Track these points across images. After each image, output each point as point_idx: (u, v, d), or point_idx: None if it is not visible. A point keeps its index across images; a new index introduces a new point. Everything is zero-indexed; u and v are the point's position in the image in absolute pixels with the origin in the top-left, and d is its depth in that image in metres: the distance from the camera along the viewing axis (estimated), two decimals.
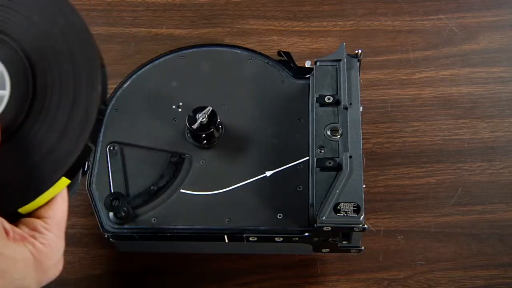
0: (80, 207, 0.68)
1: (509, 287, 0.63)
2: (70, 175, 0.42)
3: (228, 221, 0.58)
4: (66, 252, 0.66)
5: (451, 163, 0.71)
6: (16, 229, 0.41)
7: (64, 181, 0.42)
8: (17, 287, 0.40)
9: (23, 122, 0.41)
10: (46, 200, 0.42)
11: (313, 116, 0.61)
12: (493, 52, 0.79)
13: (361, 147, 0.57)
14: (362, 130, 0.58)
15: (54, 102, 0.41)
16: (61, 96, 0.42)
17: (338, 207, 0.54)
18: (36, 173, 0.41)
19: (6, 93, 0.41)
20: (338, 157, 0.57)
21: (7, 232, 0.40)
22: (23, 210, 0.41)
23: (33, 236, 0.41)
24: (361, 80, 0.62)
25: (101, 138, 0.63)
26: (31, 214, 0.43)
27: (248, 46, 0.71)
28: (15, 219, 0.42)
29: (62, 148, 0.41)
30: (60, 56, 0.42)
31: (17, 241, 0.40)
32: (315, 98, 0.61)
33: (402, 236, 0.67)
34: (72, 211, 0.67)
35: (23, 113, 0.41)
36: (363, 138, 0.58)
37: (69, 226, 0.67)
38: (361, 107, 0.60)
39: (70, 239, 0.67)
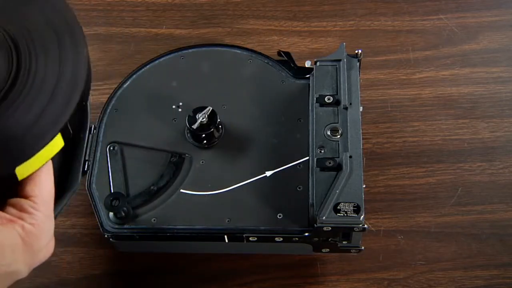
0: (80, 207, 0.68)
1: (509, 287, 0.63)
2: (64, 135, 0.42)
3: (228, 221, 0.58)
4: (66, 252, 0.66)
5: (451, 163, 0.71)
6: (2, 213, 0.40)
7: (59, 141, 0.42)
8: (5, 273, 0.39)
9: (12, 85, 0.42)
10: (43, 162, 0.42)
11: (313, 116, 0.61)
12: (493, 52, 0.79)
13: (361, 147, 0.57)
14: (362, 130, 0.58)
15: (41, 65, 0.43)
16: (47, 60, 0.43)
17: (338, 207, 0.54)
18: (31, 133, 0.41)
19: None
20: (338, 157, 0.57)
21: None
22: (20, 172, 0.41)
23: (21, 218, 0.41)
24: (361, 80, 0.62)
25: (101, 138, 0.63)
26: (18, 194, 0.42)
27: (248, 46, 0.71)
28: (10, 188, 0.42)
29: (54, 108, 0.42)
30: (39, 24, 0.44)
31: (5, 225, 0.40)
32: (315, 98, 0.61)
33: (402, 236, 0.67)
34: (72, 211, 0.68)
35: (11, 77, 0.42)
36: (363, 138, 0.58)
37: (69, 226, 0.68)
38: (361, 107, 0.60)
39: (70, 239, 0.67)
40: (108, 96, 0.66)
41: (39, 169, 0.42)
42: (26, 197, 0.42)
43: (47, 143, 0.42)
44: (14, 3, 0.46)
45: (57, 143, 0.42)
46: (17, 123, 0.41)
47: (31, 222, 0.41)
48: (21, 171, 0.41)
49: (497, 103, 0.75)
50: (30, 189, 0.42)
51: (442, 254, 0.66)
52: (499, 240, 0.66)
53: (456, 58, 0.79)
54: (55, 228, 0.44)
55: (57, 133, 0.42)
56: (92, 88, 0.62)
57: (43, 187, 0.43)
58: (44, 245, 0.42)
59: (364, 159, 0.57)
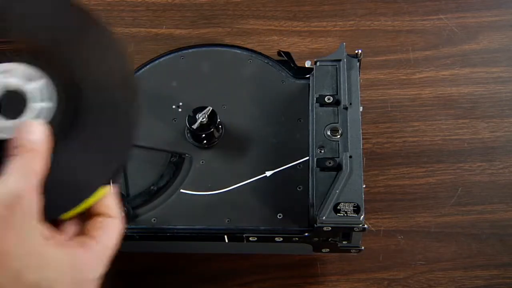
0: None
1: (509, 287, 0.63)
2: (108, 184, 0.43)
3: (228, 221, 0.58)
4: None
5: (451, 163, 0.71)
6: (57, 237, 0.40)
7: (103, 190, 0.43)
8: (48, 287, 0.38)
9: (64, 134, 0.42)
10: (85, 207, 0.42)
11: (313, 116, 0.60)
12: (493, 52, 0.79)
13: (361, 147, 0.57)
14: (362, 130, 0.58)
15: (96, 118, 0.44)
16: (102, 116, 0.44)
17: (338, 207, 0.54)
18: (78, 182, 0.42)
19: (49, 106, 0.43)
20: (338, 157, 0.57)
21: (47, 237, 0.39)
22: (63, 216, 0.42)
23: (80, 242, 0.41)
24: (361, 80, 0.62)
25: None
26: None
27: (248, 46, 0.71)
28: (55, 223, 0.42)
29: (101, 161, 0.43)
30: (104, 78, 0.46)
31: (57, 246, 0.39)
32: (315, 98, 0.61)
33: (402, 236, 0.67)
34: None
35: (62, 128, 0.42)
36: (363, 138, 0.58)
37: None
38: (361, 107, 0.60)
39: None
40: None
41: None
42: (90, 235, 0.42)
43: (94, 193, 0.42)
44: (90, 55, 0.46)
45: (101, 192, 0.43)
46: (70, 173, 0.42)
47: (84, 251, 0.41)
48: (65, 216, 0.42)
49: (497, 103, 0.75)
50: (95, 229, 0.42)
51: (442, 254, 0.66)
52: (499, 240, 0.66)
53: (456, 58, 0.79)
54: None
55: (100, 186, 0.43)
56: None
57: (106, 233, 0.42)
58: (91, 279, 0.41)
59: (364, 159, 0.57)
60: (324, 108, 0.60)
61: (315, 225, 0.55)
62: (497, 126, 0.73)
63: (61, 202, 0.41)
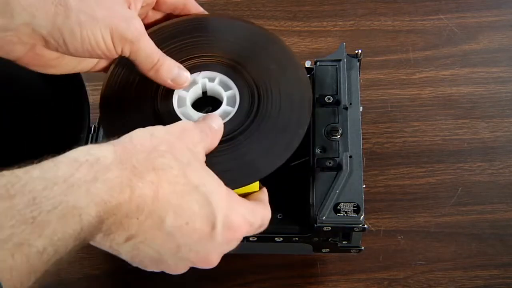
0: None
1: (509, 287, 0.63)
2: (262, 182, 0.53)
3: None
4: None
5: (451, 163, 0.71)
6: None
7: (256, 186, 0.53)
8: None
9: (240, 132, 0.53)
10: (244, 191, 0.52)
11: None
12: (493, 52, 0.79)
13: (361, 147, 0.57)
14: (362, 130, 0.58)
15: (268, 125, 0.53)
16: (276, 123, 0.54)
17: (338, 207, 0.54)
18: (244, 169, 0.51)
19: (233, 110, 0.54)
20: (338, 157, 0.57)
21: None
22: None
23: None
24: (361, 80, 0.62)
25: (101, 138, 0.63)
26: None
27: None
28: None
29: (263, 162, 0.52)
30: (283, 95, 0.55)
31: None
32: (315, 98, 0.61)
33: (402, 236, 0.67)
34: None
35: (241, 127, 0.53)
36: (363, 138, 0.58)
37: None
38: (361, 107, 0.60)
39: None
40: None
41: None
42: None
43: (254, 183, 0.52)
44: (256, 52, 0.58)
45: (255, 185, 0.52)
46: (239, 162, 0.51)
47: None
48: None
49: (497, 103, 0.75)
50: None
51: (442, 254, 0.66)
52: (499, 240, 0.66)
53: (456, 58, 0.79)
54: None
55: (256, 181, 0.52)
56: (92, 88, 0.62)
57: (260, 214, 0.51)
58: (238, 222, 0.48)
59: (364, 159, 0.57)
60: (324, 108, 0.60)
61: (315, 225, 0.55)
62: (497, 126, 0.73)
63: (230, 179, 0.49)
